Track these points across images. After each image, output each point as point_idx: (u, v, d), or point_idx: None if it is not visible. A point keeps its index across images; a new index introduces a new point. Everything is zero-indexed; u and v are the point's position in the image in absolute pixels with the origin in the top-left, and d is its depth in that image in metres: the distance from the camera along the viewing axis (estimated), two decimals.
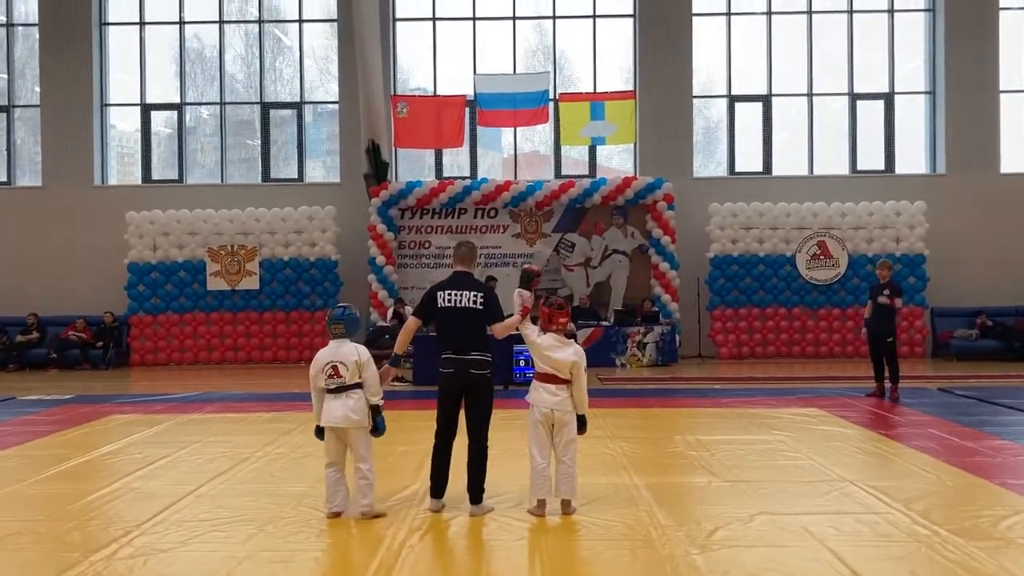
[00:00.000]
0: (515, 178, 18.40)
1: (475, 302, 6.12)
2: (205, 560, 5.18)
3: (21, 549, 5.45)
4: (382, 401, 6.01)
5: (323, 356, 6.01)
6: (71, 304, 17.93)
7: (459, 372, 6.06)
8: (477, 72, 18.44)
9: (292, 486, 6.90)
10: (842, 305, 17.28)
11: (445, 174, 18.93)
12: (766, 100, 18.67)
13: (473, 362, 6.06)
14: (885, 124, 18.61)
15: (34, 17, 19.02)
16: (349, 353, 5.94)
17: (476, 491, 6.07)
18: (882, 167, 18.62)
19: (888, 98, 18.60)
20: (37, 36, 18.95)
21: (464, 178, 18.33)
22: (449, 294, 6.16)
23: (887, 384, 11.46)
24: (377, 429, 5.97)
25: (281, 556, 5.22)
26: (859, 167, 18.63)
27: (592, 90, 18.52)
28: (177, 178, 19.01)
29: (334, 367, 5.91)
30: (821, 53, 18.60)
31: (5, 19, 19.26)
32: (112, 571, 4.98)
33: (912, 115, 18.74)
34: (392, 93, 18.36)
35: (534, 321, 6.29)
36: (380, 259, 17.31)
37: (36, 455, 8.40)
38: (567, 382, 6.04)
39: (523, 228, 17.80)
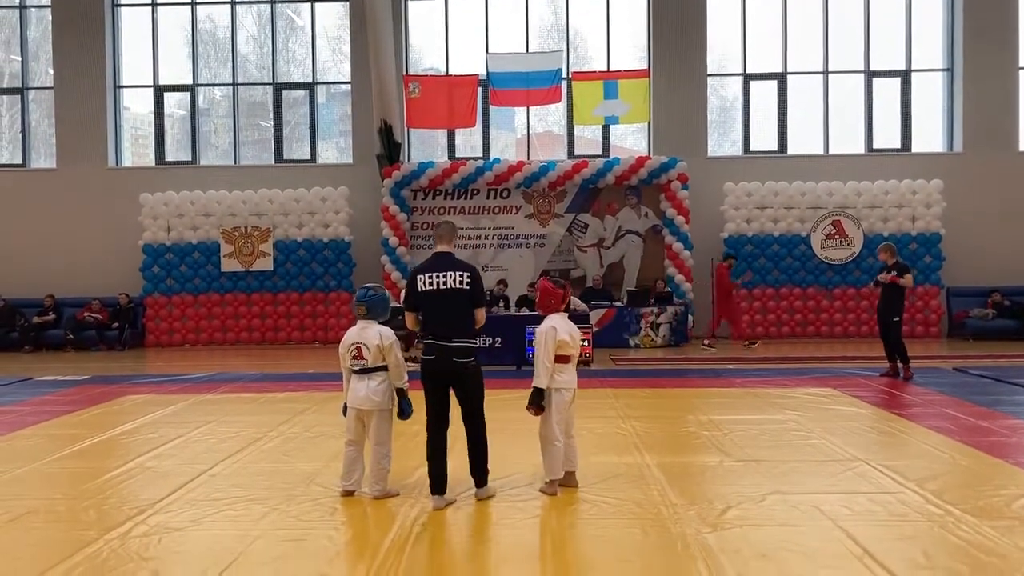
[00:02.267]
0: (528, 158, 18.34)
1: (461, 283, 5.77)
2: (219, 538, 5.22)
3: (38, 527, 5.51)
4: (407, 384, 5.96)
5: (349, 336, 6.03)
6: (87, 285, 18.05)
7: (441, 359, 5.73)
8: (489, 51, 18.35)
9: (305, 465, 6.94)
10: (857, 285, 17.17)
11: (458, 154, 18.88)
12: (781, 78, 18.50)
13: (456, 349, 5.73)
14: (901, 102, 18.41)
15: None
16: (372, 336, 5.93)
17: (481, 475, 5.92)
18: (898, 145, 18.44)
19: (905, 75, 18.39)
20: (50, 18, 18.97)
21: (477, 158, 18.28)
22: (431, 276, 5.81)
23: (900, 364, 11.41)
24: (403, 412, 5.93)
25: (295, 535, 5.26)
26: (875, 146, 18.47)
27: (605, 69, 18.39)
28: (191, 159, 19.05)
29: (358, 348, 5.93)
30: (837, 30, 18.39)
31: (18, 1, 19.28)
32: (127, 549, 5.03)
33: (929, 93, 18.53)
34: (404, 73, 18.30)
35: (544, 309, 6.23)
36: (393, 240, 17.32)
37: (53, 435, 8.49)
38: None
39: (536, 209, 17.75)
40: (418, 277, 5.85)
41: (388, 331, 5.99)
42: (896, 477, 6.33)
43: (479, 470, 5.91)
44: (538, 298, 6.30)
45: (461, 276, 5.77)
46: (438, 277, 5.77)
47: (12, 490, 6.39)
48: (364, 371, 5.92)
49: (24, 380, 12.65)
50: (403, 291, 6.20)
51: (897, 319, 11.36)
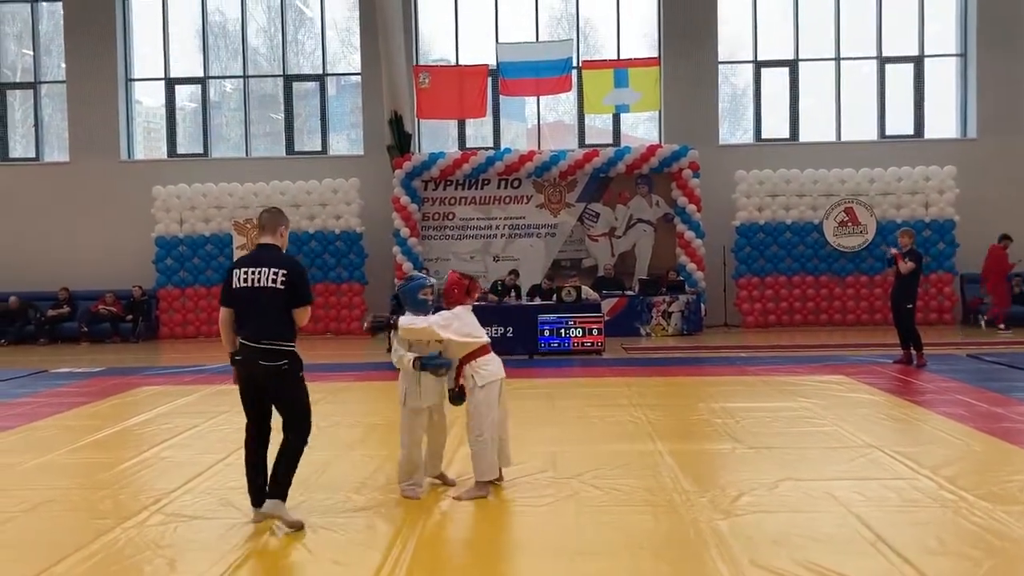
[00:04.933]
0: (539, 148, 18.30)
1: (275, 281, 5.20)
2: (234, 527, 5.26)
3: (56, 516, 5.57)
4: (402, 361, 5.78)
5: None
6: (100, 278, 18.14)
7: (249, 362, 5.20)
8: (499, 41, 18.31)
9: (318, 454, 6.94)
10: (870, 272, 17.09)
11: (468, 145, 18.87)
12: (793, 65, 18.39)
13: (266, 352, 5.17)
14: (914, 88, 18.28)
15: None
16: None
17: (278, 488, 5.23)
18: (911, 132, 18.31)
19: (918, 61, 18.25)
20: (62, 13, 19.03)
21: (487, 148, 18.26)
22: (246, 272, 5.25)
23: (914, 351, 11.37)
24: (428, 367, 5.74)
25: (308, 523, 5.28)
26: (888, 132, 18.35)
27: (616, 57, 18.32)
28: (202, 152, 19.11)
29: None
30: (849, 16, 18.25)
31: None
32: (143, 538, 5.08)
33: (942, 78, 18.38)
34: (414, 64, 18.29)
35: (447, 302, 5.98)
36: (404, 231, 17.33)
37: (69, 426, 8.56)
38: None
39: (547, 198, 17.73)
40: (234, 272, 5.33)
41: (402, 319, 5.84)
42: (910, 463, 6.32)
43: (277, 481, 5.24)
44: (443, 289, 6.00)
45: (275, 274, 5.21)
46: (252, 273, 5.24)
47: (29, 480, 6.45)
48: None
49: (39, 372, 12.75)
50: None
51: (911, 306, 11.31)
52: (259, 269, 5.25)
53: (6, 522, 5.41)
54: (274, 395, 5.28)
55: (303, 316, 5.33)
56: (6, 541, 5.11)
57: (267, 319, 5.20)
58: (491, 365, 5.83)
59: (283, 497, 5.23)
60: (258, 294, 5.21)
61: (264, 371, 5.17)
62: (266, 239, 5.44)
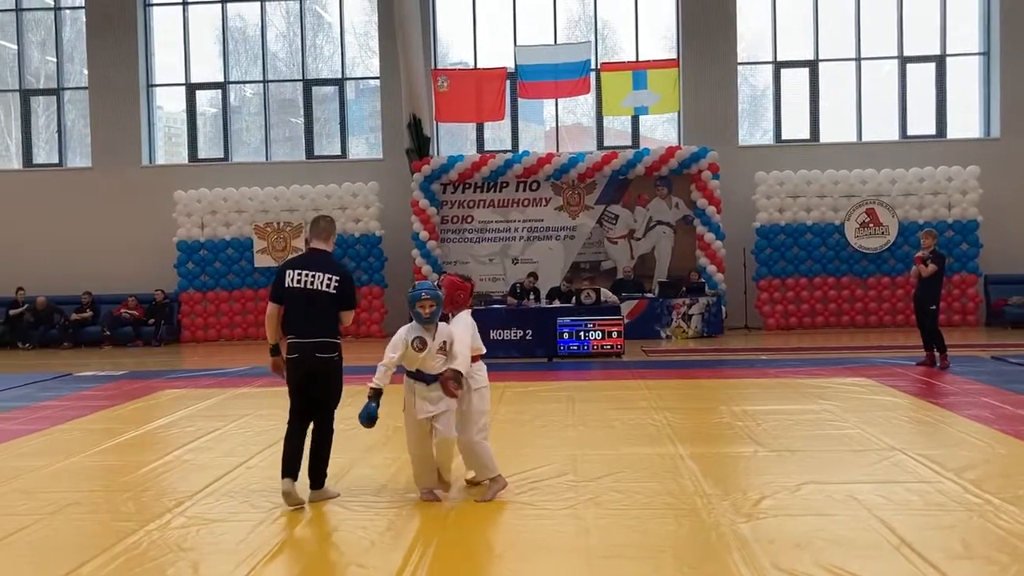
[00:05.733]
0: (557, 150, 18.29)
1: (329, 286, 5.69)
2: (257, 530, 5.29)
3: (80, 519, 5.62)
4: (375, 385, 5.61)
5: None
6: (123, 282, 18.28)
7: (305, 356, 5.70)
8: (517, 44, 18.32)
9: (339, 457, 6.95)
10: (892, 273, 16.95)
11: (487, 148, 18.88)
12: (813, 65, 18.28)
13: (319, 345, 5.69)
14: (937, 87, 18.12)
15: (81, 0, 19.31)
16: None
17: (321, 476, 5.86)
18: (933, 132, 18.16)
19: (940, 60, 18.10)
20: (84, 19, 19.23)
21: (506, 151, 18.26)
22: (299, 274, 5.72)
23: (937, 353, 11.26)
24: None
25: (330, 525, 5.31)
26: (909, 132, 18.21)
27: (634, 59, 18.29)
28: (223, 156, 19.24)
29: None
30: (869, 16, 18.12)
31: (53, 3, 19.57)
32: (166, 540, 5.11)
33: (965, 77, 18.21)
34: (432, 67, 18.33)
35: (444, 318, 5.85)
36: (423, 234, 17.37)
37: (92, 428, 8.64)
38: None
39: (566, 201, 17.71)
40: (286, 272, 5.77)
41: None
42: (934, 466, 6.25)
43: (321, 471, 5.86)
44: (445, 295, 5.86)
45: (330, 279, 5.70)
46: (307, 276, 5.70)
47: (53, 483, 6.51)
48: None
49: (64, 376, 12.87)
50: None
51: (934, 307, 11.21)
52: (314, 273, 5.71)
53: (31, 524, 5.46)
54: (323, 382, 5.79)
55: (348, 318, 5.86)
56: (31, 543, 5.16)
57: (322, 318, 5.70)
58: (484, 371, 5.94)
59: (324, 483, 5.87)
60: (312, 296, 5.69)
61: (319, 362, 5.70)
62: (319, 244, 5.89)
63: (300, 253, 5.91)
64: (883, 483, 5.88)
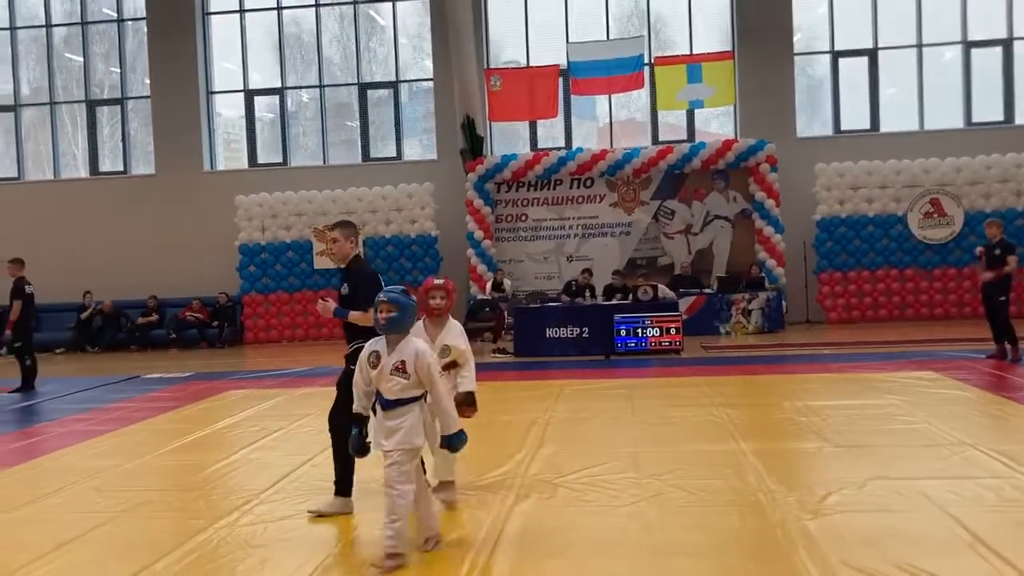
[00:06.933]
0: (611, 146, 18.21)
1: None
2: (322, 526, 5.37)
3: (152, 516, 5.76)
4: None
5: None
6: (187, 286, 18.72)
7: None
8: (570, 40, 18.27)
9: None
10: (958, 265, 16.52)
11: (540, 145, 18.88)
12: (872, 54, 17.91)
13: None
14: (1003, 72, 17.61)
15: (142, 11, 19.80)
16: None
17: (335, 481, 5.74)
18: (1000, 118, 17.65)
19: (1006, 44, 17.58)
20: (145, 30, 19.72)
21: (559, 149, 18.25)
22: None
23: (1008, 345, 10.95)
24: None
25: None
26: (974, 119, 17.73)
27: (688, 52, 18.12)
28: (281, 161, 19.57)
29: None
30: (930, 1, 17.67)
31: (116, 15, 20.10)
32: (236, 537, 5.22)
33: None
34: (485, 67, 18.39)
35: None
36: (478, 233, 17.44)
37: (161, 429, 8.85)
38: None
39: (620, 197, 17.62)
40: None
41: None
42: (1007, 461, 6.08)
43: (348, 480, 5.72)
44: (447, 303, 5.71)
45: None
46: None
47: (126, 482, 6.69)
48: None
49: (132, 378, 13.21)
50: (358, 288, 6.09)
51: (1004, 298, 10.92)
52: None
53: (108, 522, 5.62)
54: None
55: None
56: (108, 539, 5.31)
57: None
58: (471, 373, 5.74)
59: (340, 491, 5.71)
60: None
61: None
62: None
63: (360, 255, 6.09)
64: (954, 479, 5.73)
